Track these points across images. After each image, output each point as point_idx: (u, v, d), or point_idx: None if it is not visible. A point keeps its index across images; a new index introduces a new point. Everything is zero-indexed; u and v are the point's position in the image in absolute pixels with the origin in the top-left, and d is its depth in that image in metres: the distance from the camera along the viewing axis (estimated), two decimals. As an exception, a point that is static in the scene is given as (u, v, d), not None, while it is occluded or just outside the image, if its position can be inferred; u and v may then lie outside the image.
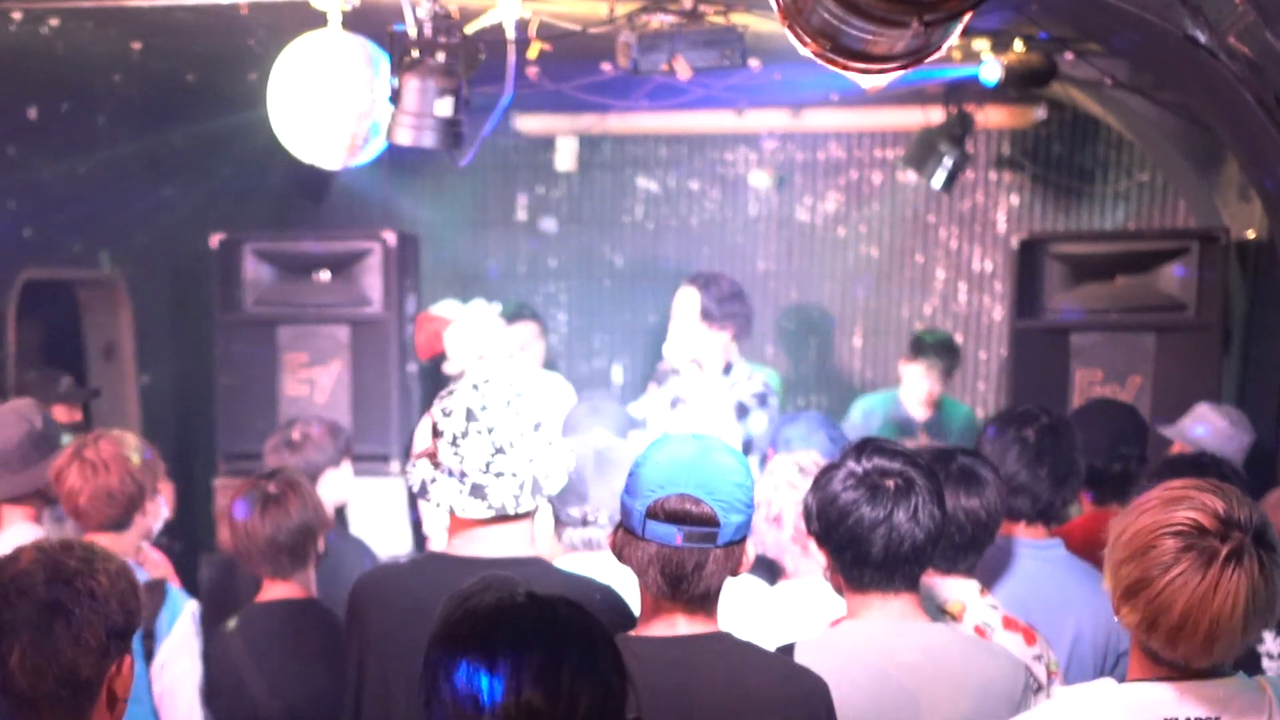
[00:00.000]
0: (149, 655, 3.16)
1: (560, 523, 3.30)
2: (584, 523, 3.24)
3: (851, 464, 2.49)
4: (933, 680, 2.44)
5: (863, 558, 2.45)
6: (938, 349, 6.11)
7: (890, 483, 2.45)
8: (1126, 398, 5.19)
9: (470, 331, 5.28)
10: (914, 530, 2.43)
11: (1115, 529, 2.09)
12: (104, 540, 3.13)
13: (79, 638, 1.97)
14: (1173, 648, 2.01)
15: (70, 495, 3.34)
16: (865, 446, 2.52)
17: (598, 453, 3.27)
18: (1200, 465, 3.40)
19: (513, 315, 6.19)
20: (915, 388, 6.09)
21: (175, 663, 3.16)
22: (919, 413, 6.10)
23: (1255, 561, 1.96)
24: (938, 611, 2.81)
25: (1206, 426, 4.41)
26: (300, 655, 3.30)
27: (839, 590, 2.57)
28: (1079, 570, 3.24)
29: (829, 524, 2.48)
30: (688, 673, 2.21)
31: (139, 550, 3.51)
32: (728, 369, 5.03)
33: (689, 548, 2.21)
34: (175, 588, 3.29)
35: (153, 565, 3.67)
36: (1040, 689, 2.76)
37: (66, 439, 4.37)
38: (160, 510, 3.50)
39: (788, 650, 2.45)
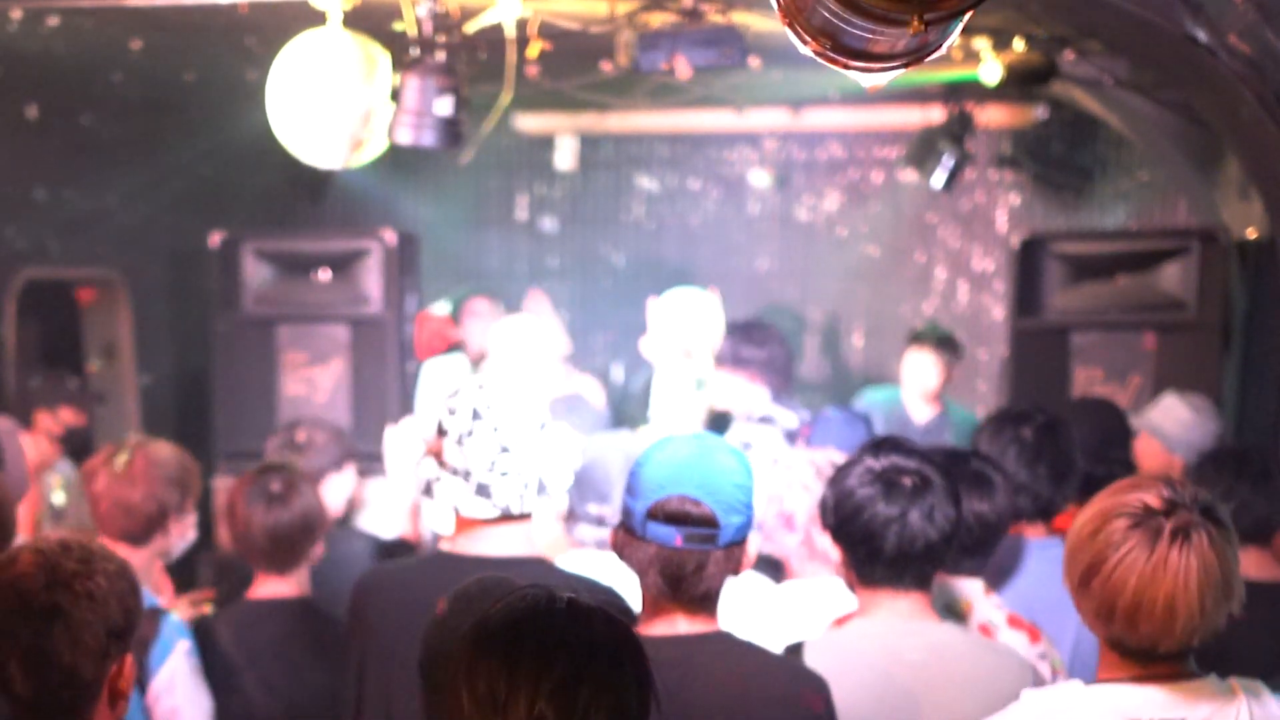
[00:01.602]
0: (141, 685, 3.07)
1: (576, 517, 3.29)
2: (600, 523, 3.24)
3: (869, 460, 2.51)
4: (940, 680, 2.44)
5: (875, 554, 2.46)
6: (935, 334, 6.06)
7: (906, 481, 2.46)
8: (1126, 397, 5.19)
9: (517, 331, 5.27)
10: (927, 529, 2.43)
11: (1071, 526, 2.11)
12: (120, 551, 3.09)
13: (78, 640, 1.97)
14: (1134, 630, 2.00)
15: (94, 498, 3.32)
16: (883, 444, 2.54)
17: (627, 456, 3.25)
18: (1244, 458, 3.41)
19: (468, 294, 6.28)
20: (918, 377, 5.97)
21: (169, 696, 3.08)
22: (921, 413, 6.04)
23: (1204, 536, 1.97)
24: (944, 611, 2.81)
25: (1172, 419, 4.41)
26: (296, 653, 3.30)
27: (851, 586, 2.57)
28: None
29: (843, 519, 2.49)
30: (688, 672, 2.20)
31: (152, 566, 3.46)
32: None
33: (689, 549, 2.21)
34: (173, 620, 3.19)
35: (164, 588, 3.61)
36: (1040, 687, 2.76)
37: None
38: (187, 531, 3.43)
39: (796, 650, 2.45)
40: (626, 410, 6.24)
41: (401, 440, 3.81)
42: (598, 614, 1.64)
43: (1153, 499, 2.01)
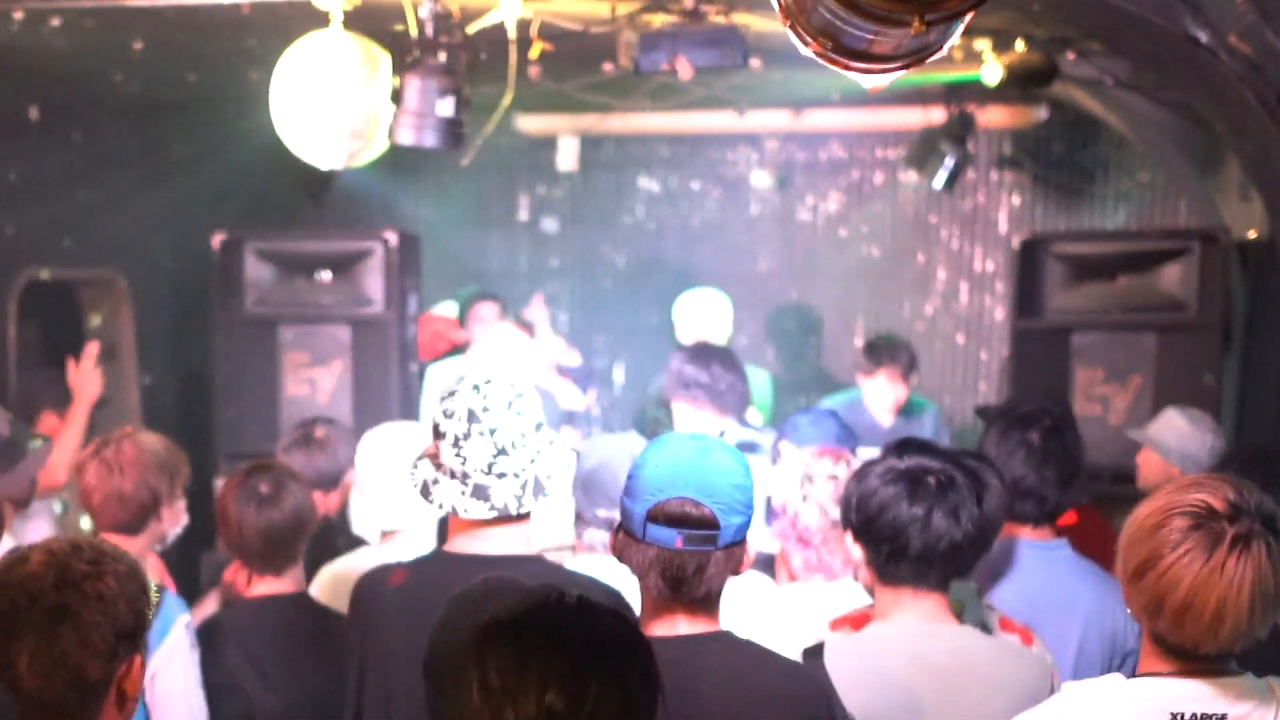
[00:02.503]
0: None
1: (585, 522, 3.29)
2: (610, 527, 3.22)
3: (893, 460, 2.51)
4: (962, 683, 2.44)
5: (899, 553, 2.46)
6: (893, 352, 5.71)
7: (931, 480, 2.46)
8: (1127, 398, 5.20)
9: (500, 341, 5.28)
10: (952, 529, 2.44)
11: (1131, 515, 2.11)
12: (114, 540, 3.10)
13: (86, 641, 1.97)
14: (1180, 629, 2.00)
15: (86, 492, 3.34)
16: (906, 445, 2.54)
17: (634, 458, 3.25)
18: (1269, 457, 3.42)
19: (474, 298, 6.28)
20: (881, 398, 5.72)
21: (166, 673, 3.10)
22: (886, 419, 5.77)
23: (1264, 547, 1.97)
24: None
25: (1172, 431, 4.44)
26: (294, 648, 3.30)
27: (870, 587, 2.57)
28: (1085, 570, 3.24)
29: (867, 518, 2.49)
30: (689, 672, 2.20)
31: (147, 554, 3.48)
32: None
33: (689, 550, 2.21)
34: (172, 596, 3.24)
35: (153, 570, 3.65)
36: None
37: (37, 443, 4.40)
38: (179, 517, 3.47)
39: (817, 651, 2.45)
40: (646, 411, 6.24)
41: (378, 446, 3.79)
42: (607, 612, 1.65)
43: (1217, 501, 2.00)
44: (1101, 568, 3.33)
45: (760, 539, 3.00)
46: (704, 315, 5.91)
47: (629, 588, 2.62)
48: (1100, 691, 2.11)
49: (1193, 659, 2.05)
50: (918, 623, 2.49)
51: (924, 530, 2.43)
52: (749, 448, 4.48)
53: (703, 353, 4.79)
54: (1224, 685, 2.04)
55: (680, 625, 2.27)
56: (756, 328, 7.56)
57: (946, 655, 2.46)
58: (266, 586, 3.39)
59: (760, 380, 6.15)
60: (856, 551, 2.56)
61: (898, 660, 2.46)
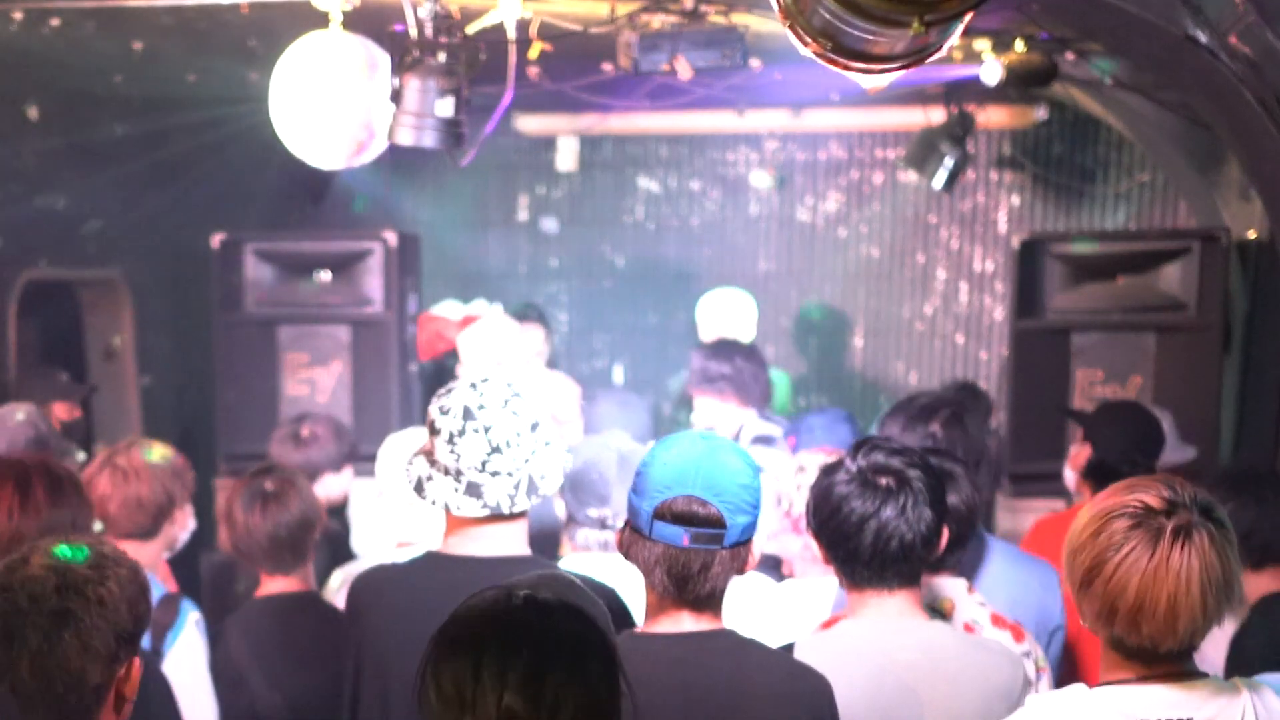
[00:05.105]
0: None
1: (576, 523, 3.29)
2: (602, 526, 3.23)
3: (849, 461, 2.51)
4: (931, 678, 2.45)
5: (853, 554, 2.47)
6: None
7: (884, 480, 2.46)
8: (1127, 398, 5.20)
9: (488, 336, 5.26)
10: (901, 528, 2.44)
11: (1071, 525, 2.11)
12: (129, 548, 3.11)
13: (88, 645, 1.98)
14: (1137, 630, 2.00)
15: (100, 501, 3.32)
16: (865, 444, 2.54)
17: (621, 455, 3.26)
18: (1254, 478, 3.44)
19: (519, 318, 6.24)
20: None
21: (176, 674, 3.14)
22: None
23: (1205, 536, 1.98)
24: (927, 610, 2.82)
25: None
26: (299, 648, 3.32)
27: (842, 586, 2.58)
28: (1001, 551, 3.24)
29: (823, 518, 2.50)
30: (692, 669, 2.22)
31: (160, 560, 3.50)
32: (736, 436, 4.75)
33: (696, 548, 2.22)
34: (185, 601, 3.27)
35: (162, 576, 3.66)
36: (1029, 685, 2.76)
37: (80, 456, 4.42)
38: (189, 521, 3.50)
39: (787, 649, 2.46)
40: (663, 411, 6.25)
41: (400, 451, 3.79)
42: (558, 607, 1.64)
43: (1152, 499, 2.01)
44: (1013, 546, 3.34)
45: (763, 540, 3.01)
46: (728, 315, 5.95)
47: (625, 586, 2.62)
48: (1064, 704, 2.10)
49: (1154, 660, 2.04)
50: (885, 620, 2.50)
51: (874, 531, 2.44)
52: (766, 440, 4.50)
53: (723, 347, 4.84)
54: (1188, 689, 2.03)
55: (684, 623, 2.28)
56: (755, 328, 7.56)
57: (914, 651, 2.47)
58: (274, 585, 3.40)
59: (780, 382, 6.18)
60: (819, 552, 2.57)
61: (865, 657, 2.46)
